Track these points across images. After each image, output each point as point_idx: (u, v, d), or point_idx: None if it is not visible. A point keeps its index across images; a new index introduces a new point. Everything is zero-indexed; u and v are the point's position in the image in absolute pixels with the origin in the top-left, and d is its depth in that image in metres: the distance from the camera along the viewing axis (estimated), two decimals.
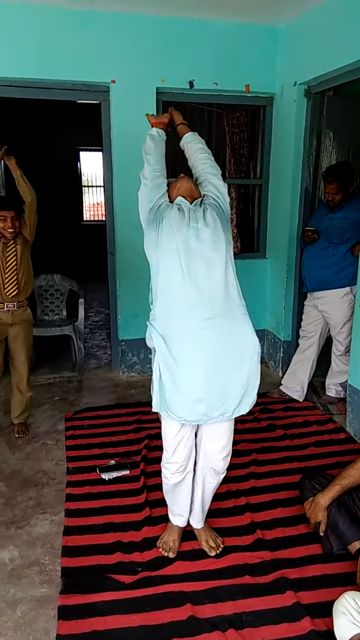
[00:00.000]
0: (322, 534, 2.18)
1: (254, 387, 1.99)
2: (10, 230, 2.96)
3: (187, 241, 1.89)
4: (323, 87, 3.50)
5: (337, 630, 1.68)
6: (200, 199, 2.02)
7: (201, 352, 1.88)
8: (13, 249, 3.04)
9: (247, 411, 2.01)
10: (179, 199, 1.99)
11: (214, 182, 2.07)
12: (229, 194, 4.42)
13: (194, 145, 2.19)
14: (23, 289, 3.10)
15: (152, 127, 2.25)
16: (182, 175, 2.10)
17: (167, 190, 2.05)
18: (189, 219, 1.92)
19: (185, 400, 1.90)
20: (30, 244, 3.18)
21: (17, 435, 3.21)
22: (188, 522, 2.28)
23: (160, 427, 2.09)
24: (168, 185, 2.07)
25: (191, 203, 1.99)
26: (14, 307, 3.07)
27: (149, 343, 2.01)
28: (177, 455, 2.05)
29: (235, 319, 1.94)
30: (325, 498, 2.16)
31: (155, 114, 3.70)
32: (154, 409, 1.98)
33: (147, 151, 2.14)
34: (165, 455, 2.10)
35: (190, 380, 1.89)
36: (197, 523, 2.26)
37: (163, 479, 2.17)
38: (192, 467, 2.13)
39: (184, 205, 1.97)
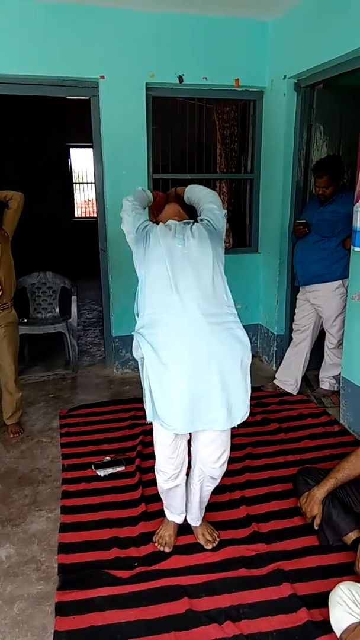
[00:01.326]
0: (317, 527, 2.20)
1: (247, 398, 1.96)
2: None
3: (172, 249, 1.91)
4: (313, 81, 3.50)
5: (333, 621, 1.69)
6: (190, 220, 2.08)
7: (190, 357, 1.86)
8: None
9: (243, 420, 1.97)
10: (169, 221, 2.06)
11: (209, 207, 2.10)
12: (221, 188, 4.42)
13: (194, 189, 2.22)
14: (6, 289, 3.03)
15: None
16: (169, 202, 2.23)
17: (156, 218, 2.15)
18: (174, 232, 1.96)
19: (174, 408, 1.88)
20: (10, 240, 3.10)
21: (11, 436, 3.20)
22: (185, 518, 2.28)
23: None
24: (157, 215, 2.21)
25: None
26: None
27: (135, 354, 1.98)
28: (169, 464, 2.04)
29: (224, 323, 1.92)
30: (320, 491, 2.18)
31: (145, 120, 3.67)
32: (149, 419, 1.95)
33: (129, 197, 2.16)
34: (157, 462, 2.09)
35: (179, 386, 1.86)
36: (196, 521, 2.26)
37: (157, 482, 2.17)
38: (185, 474, 2.13)
39: (172, 222, 2.03)
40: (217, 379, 1.87)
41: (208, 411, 1.90)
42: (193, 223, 2.04)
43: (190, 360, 1.86)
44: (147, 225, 2.01)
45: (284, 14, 3.61)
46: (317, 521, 2.19)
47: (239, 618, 1.85)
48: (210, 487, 2.16)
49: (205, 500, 2.22)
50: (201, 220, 2.06)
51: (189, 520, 2.28)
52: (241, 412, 1.96)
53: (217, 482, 2.15)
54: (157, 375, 1.88)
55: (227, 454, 2.07)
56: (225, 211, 2.14)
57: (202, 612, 1.88)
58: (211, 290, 1.91)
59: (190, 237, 1.94)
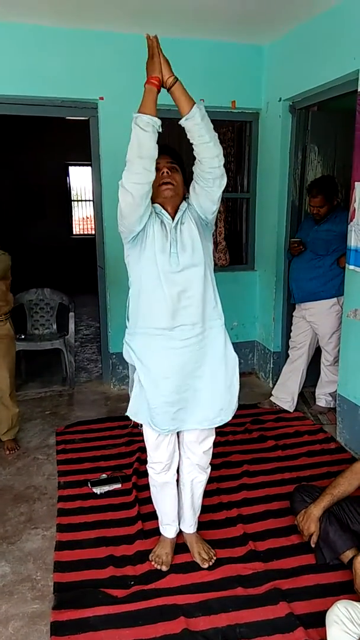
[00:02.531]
0: (314, 546, 2.20)
1: (234, 394, 2.06)
2: None
3: (167, 267, 1.87)
4: (307, 103, 3.58)
5: None
6: (183, 208, 1.93)
7: (180, 370, 1.94)
8: None
9: (230, 418, 2.07)
10: (160, 210, 1.91)
11: (209, 197, 1.87)
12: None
13: (196, 126, 1.76)
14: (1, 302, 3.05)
15: (148, 83, 1.79)
16: (166, 185, 1.87)
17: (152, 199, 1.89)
18: (169, 244, 1.86)
19: (166, 414, 1.96)
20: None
21: (7, 452, 3.19)
22: (180, 532, 2.29)
23: None
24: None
25: (173, 215, 1.91)
26: None
27: (127, 359, 2.05)
28: (161, 453, 2.08)
29: (212, 334, 1.98)
30: (317, 508, 2.18)
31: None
32: (130, 417, 2.04)
33: (141, 152, 1.70)
34: (150, 455, 2.13)
35: (169, 395, 1.95)
36: (189, 527, 2.27)
37: (150, 481, 2.20)
38: (176, 468, 2.15)
39: (166, 221, 1.89)
40: (203, 385, 1.99)
41: (198, 416, 2.01)
42: (182, 223, 1.90)
43: (180, 374, 1.95)
44: (140, 231, 1.86)
45: (280, 38, 3.71)
46: (314, 539, 2.19)
47: (236, 638, 1.84)
48: (201, 481, 2.18)
49: (198, 502, 2.24)
50: (190, 206, 1.92)
51: (182, 528, 2.28)
52: (230, 409, 2.06)
53: (206, 475, 2.19)
54: (148, 385, 1.96)
55: (211, 439, 2.13)
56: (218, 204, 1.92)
57: (199, 632, 1.86)
58: (201, 301, 1.93)
59: (182, 251, 1.88)
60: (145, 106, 1.73)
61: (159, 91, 1.78)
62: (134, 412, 2.03)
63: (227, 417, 2.06)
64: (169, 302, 1.88)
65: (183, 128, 1.80)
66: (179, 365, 1.93)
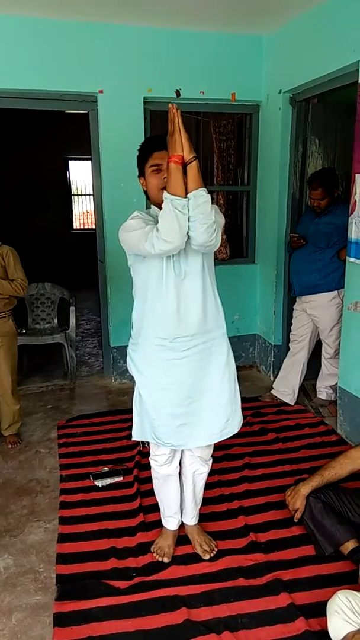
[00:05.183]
0: (296, 521, 2.27)
1: (238, 407, 2.08)
2: None
3: (172, 275, 1.86)
4: (308, 95, 3.56)
5: (331, 630, 1.69)
6: None
7: (181, 382, 1.95)
8: None
9: (237, 431, 2.09)
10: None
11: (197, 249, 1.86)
12: (218, 200, 4.44)
13: (189, 226, 1.75)
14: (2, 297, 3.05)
15: (172, 162, 1.71)
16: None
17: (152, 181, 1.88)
18: (173, 258, 1.86)
19: (169, 427, 1.98)
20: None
21: (9, 446, 3.20)
22: (181, 524, 2.30)
23: None
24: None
25: None
26: None
27: (130, 370, 2.07)
28: (163, 447, 2.09)
29: (215, 344, 1.99)
30: (306, 487, 2.24)
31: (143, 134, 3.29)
32: (137, 438, 2.07)
33: (183, 232, 1.71)
34: (152, 449, 2.14)
35: (170, 407, 1.96)
36: (191, 519, 2.28)
37: (152, 473, 2.21)
38: (178, 460, 2.17)
39: None
40: (208, 398, 1.99)
41: (203, 429, 2.02)
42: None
43: (183, 385, 1.96)
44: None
45: (280, 29, 3.68)
46: (298, 516, 2.25)
47: (237, 628, 1.86)
48: (202, 472, 2.20)
49: (200, 494, 2.26)
50: None
51: (184, 521, 2.29)
52: (235, 421, 2.07)
53: (207, 468, 2.21)
54: (148, 396, 1.99)
55: None
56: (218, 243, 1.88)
57: (201, 623, 1.88)
58: (203, 311, 1.93)
59: (185, 257, 1.87)
60: (176, 187, 1.71)
61: (183, 168, 1.73)
62: (139, 430, 2.05)
63: (233, 428, 2.06)
64: (171, 311, 1.88)
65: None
66: (179, 376, 1.94)
